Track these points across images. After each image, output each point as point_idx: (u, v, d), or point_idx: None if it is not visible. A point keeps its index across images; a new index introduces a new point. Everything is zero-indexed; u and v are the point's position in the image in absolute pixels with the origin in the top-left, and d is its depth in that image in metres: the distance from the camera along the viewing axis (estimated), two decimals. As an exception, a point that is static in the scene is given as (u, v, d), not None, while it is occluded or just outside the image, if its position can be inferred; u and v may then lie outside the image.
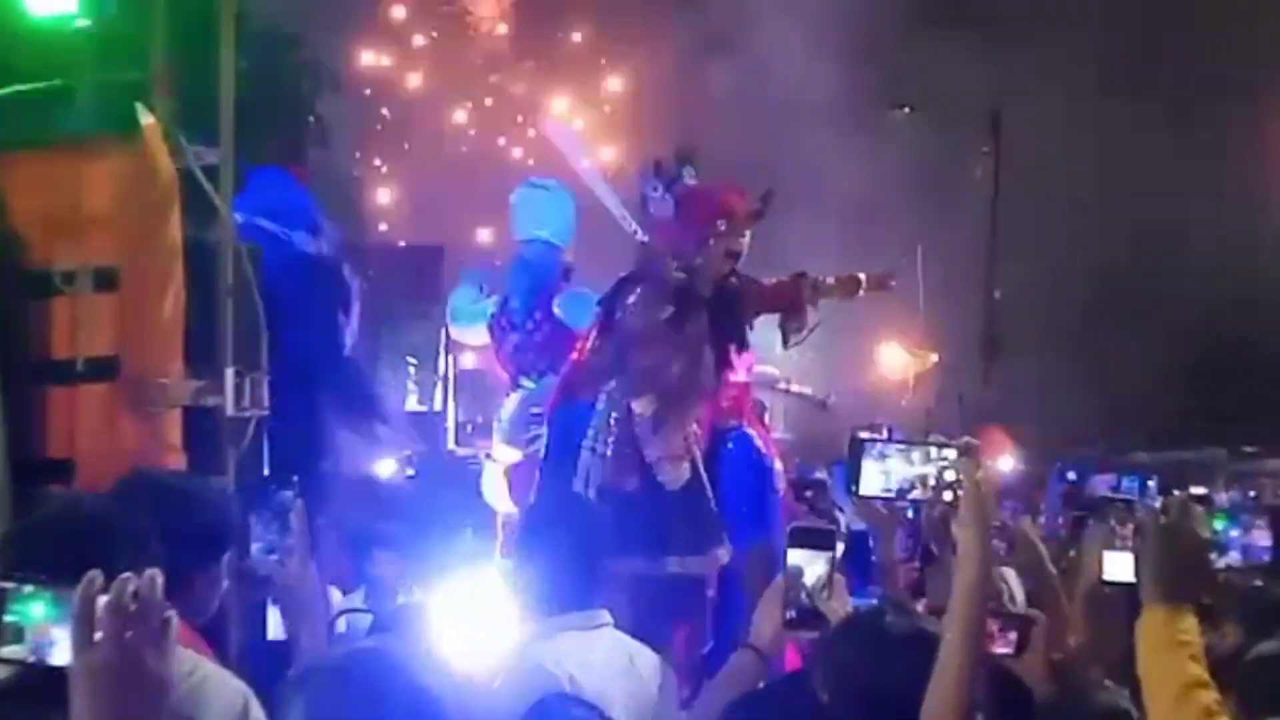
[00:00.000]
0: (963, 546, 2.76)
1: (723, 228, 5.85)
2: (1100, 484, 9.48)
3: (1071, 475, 11.87)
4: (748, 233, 5.96)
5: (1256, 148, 18.83)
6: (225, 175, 4.17)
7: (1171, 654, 2.52)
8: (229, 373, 4.06)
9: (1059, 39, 18.56)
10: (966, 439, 2.84)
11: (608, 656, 3.63)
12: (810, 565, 3.10)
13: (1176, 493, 2.69)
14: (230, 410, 4.06)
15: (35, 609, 1.87)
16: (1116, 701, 3.27)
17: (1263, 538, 3.08)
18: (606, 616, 3.72)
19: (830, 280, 6.40)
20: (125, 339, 3.98)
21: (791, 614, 3.13)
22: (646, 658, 3.77)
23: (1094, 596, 3.57)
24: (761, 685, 3.28)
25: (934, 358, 17.35)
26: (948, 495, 2.79)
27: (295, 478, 3.31)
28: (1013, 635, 3.35)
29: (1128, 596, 2.97)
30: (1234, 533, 3.10)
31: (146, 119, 3.98)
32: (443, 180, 18.32)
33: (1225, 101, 18.45)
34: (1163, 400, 18.42)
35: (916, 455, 2.83)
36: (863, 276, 6.58)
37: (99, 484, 3.46)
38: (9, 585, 1.88)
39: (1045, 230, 18.93)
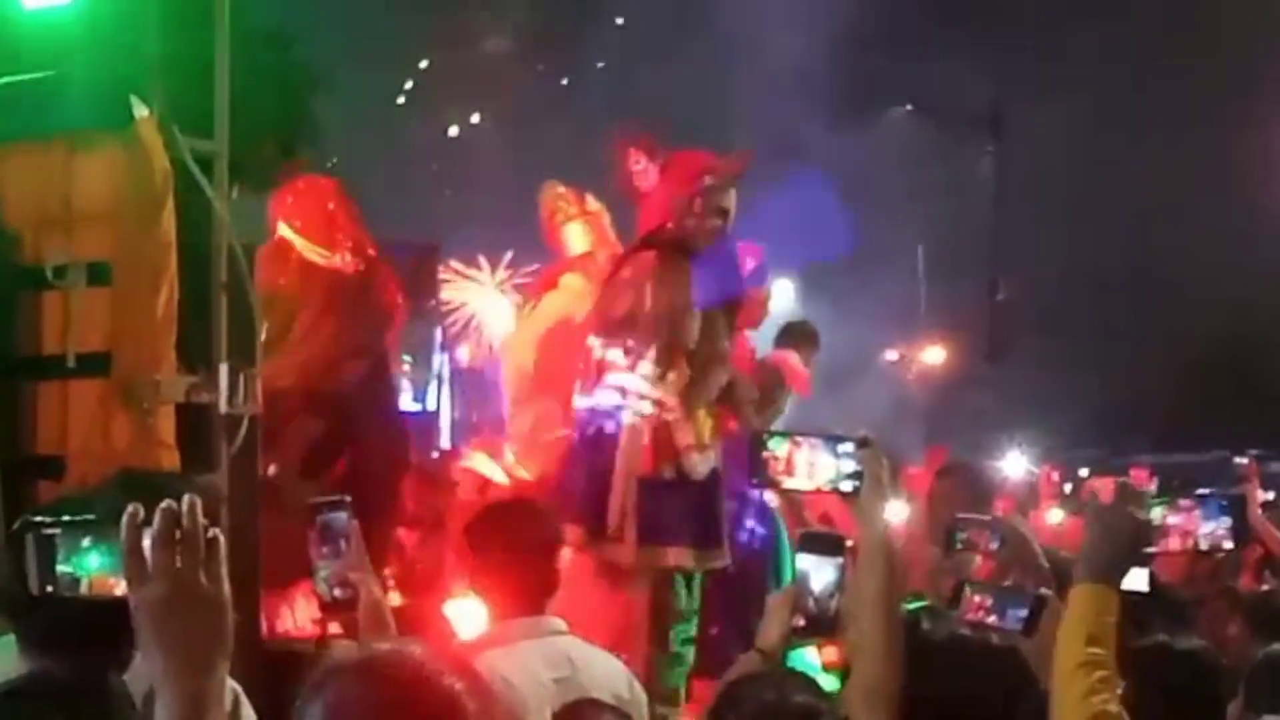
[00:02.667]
0: (865, 538, 2.85)
1: (709, 182, 5.85)
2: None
3: (1055, 476, 11.88)
4: (733, 191, 5.95)
5: (1261, 151, 18.82)
6: (220, 169, 4.12)
7: (1078, 632, 2.59)
8: (223, 369, 4.01)
9: (1062, 40, 18.53)
10: (864, 432, 2.92)
11: (540, 668, 3.54)
12: (818, 571, 3.08)
13: (1123, 479, 2.73)
14: (224, 407, 4.00)
15: (92, 559, 1.92)
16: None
17: (1199, 524, 3.06)
18: (559, 624, 3.66)
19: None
20: (118, 334, 3.94)
21: (800, 621, 3.11)
22: (605, 669, 3.69)
23: None
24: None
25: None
26: (848, 486, 2.86)
27: (348, 498, 3.31)
28: (1022, 613, 3.31)
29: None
30: (1171, 519, 3.09)
31: (141, 112, 3.93)
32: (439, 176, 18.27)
33: (1229, 104, 18.42)
34: (1166, 403, 18.39)
35: (820, 445, 2.89)
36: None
37: (90, 481, 3.41)
38: (56, 531, 1.93)
39: (1049, 232, 18.89)
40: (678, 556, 5.71)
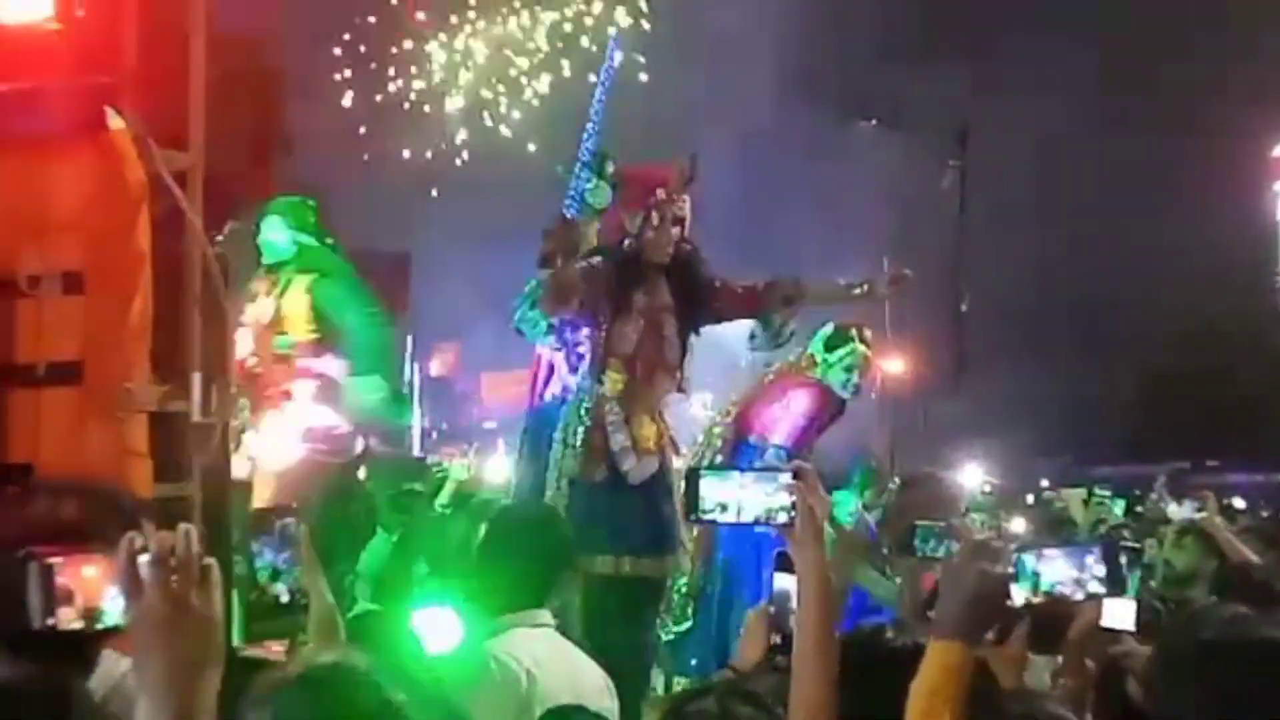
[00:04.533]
0: (801, 566, 2.90)
1: (661, 195, 6.05)
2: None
3: (987, 488, 11.92)
4: (686, 199, 6.16)
5: (1224, 163, 19.02)
6: (194, 180, 4.15)
7: (922, 685, 2.60)
8: (195, 378, 4.05)
9: (1027, 54, 18.68)
10: (799, 463, 2.99)
11: (554, 654, 3.70)
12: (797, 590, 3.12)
13: (980, 538, 2.76)
14: (196, 416, 4.04)
15: (85, 572, 2.03)
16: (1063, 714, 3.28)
17: (1065, 571, 3.11)
18: (548, 617, 3.76)
19: (808, 284, 6.55)
20: (91, 344, 3.96)
21: (777, 639, 3.16)
22: (591, 667, 3.84)
23: (1087, 641, 3.58)
24: None
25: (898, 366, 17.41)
26: (783, 517, 2.90)
27: (294, 505, 3.38)
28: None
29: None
30: (1031, 565, 3.12)
31: (116, 123, 3.97)
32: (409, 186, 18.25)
33: (1192, 119, 18.62)
34: (1130, 413, 18.55)
35: (752, 480, 2.94)
36: (844, 282, 6.79)
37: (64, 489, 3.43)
38: (58, 560, 2.03)
39: (1012, 243, 19.03)
40: (604, 565, 5.64)
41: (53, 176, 4.01)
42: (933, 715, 2.56)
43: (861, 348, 7.73)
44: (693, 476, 3.01)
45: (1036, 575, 2.93)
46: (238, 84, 4.70)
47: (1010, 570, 2.77)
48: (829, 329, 7.79)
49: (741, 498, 2.93)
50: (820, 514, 2.91)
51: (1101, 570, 2.90)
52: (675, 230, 6.08)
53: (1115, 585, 3.13)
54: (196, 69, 4.18)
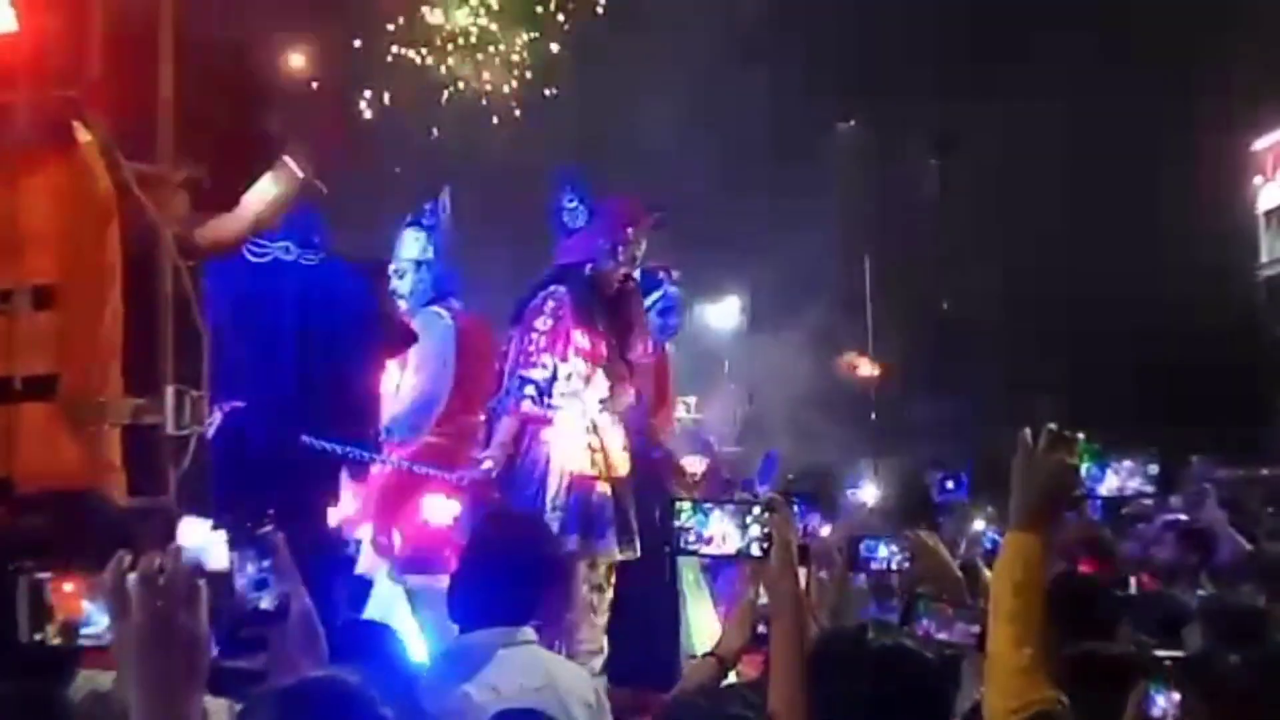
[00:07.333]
0: (775, 600, 2.96)
1: (631, 235, 6.44)
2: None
3: (949, 484, 11.76)
4: (644, 240, 6.54)
5: (1205, 158, 19.08)
6: (164, 190, 4.13)
7: (1005, 582, 2.61)
8: (169, 390, 4.03)
9: (1007, 54, 18.74)
10: (772, 495, 3.05)
11: (522, 675, 3.61)
12: None
13: (1052, 426, 2.72)
14: (170, 428, 4.02)
15: (65, 588, 2.05)
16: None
17: (1122, 483, 3.16)
18: (531, 634, 3.70)
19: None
20: (64, 357, 3.94)
21: (762, 628, 3.19)
22: (575, 677, 3.78)
23: None
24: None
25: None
26: (757, 550, 2.97)
27: (270, 511, 3.35)
28: (976, 629, 3.40)
29: None
30: (1096, 472, 3.17)
31: (84, 136, 3.95)
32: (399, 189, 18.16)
33: (1167, 110, 18.68)
34: (1113, 410, 18.58)
35: (730, 512, 3.02)
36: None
37: (37, 502, 3.43)
38: (47, 575, 2.04)
39: (993, 241, 19.06)
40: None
41: (20, 191, 3.99)
42: (1025, 611, 2.56)
43: (674, 289, 7.50)
44: (672, 510, 3.08)
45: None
46: (220, 88, 4.64)
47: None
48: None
49: (719, 531, 3.00)
50: (794, 547, 2.95)
51: (1155, 469, 3.01)
52: (629, 269, 6.47)
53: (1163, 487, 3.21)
54: (165, 78, 4.16)
